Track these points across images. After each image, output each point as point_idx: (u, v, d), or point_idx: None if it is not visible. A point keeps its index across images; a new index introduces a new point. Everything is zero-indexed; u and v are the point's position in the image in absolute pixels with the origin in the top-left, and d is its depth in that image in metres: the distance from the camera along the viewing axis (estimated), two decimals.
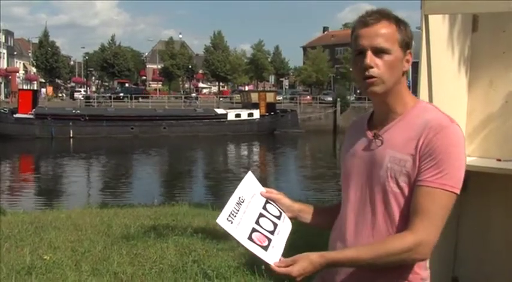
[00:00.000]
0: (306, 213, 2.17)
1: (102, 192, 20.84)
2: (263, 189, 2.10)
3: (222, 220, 1.84)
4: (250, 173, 2.10)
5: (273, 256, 1.85)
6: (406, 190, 1.88)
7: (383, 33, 1.89)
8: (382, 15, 1.92)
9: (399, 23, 1.93)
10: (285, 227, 2.02)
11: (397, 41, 1.90)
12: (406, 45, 1.93)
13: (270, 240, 1.90)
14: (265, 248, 1.86)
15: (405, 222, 1.87)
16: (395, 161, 1.88)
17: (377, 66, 1.88)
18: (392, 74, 1.90)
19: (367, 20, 1.91)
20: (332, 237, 2.07)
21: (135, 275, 5.33)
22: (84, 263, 5.68)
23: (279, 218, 2.03)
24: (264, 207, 2.02)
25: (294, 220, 2.12)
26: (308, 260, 1.82)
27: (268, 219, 1.98)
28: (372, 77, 1.88)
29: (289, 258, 1.85)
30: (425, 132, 1.85)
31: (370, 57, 1.88)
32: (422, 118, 1.89)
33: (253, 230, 1.89)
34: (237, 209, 1.91)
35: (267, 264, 1.84)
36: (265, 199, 2.07)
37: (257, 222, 1.93)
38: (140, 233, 7.21)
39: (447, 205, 1.84)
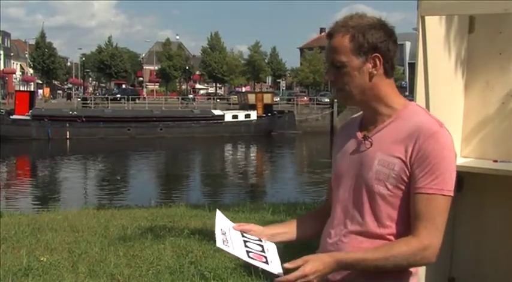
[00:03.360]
0: (282, 233, 2.17)
1: (98, 194, 20.80)
2: (233, 224, 2.14)
3: (220, 244, 1.95)
4: (218, 211, 2.15)
5: (276, 268, 1.92)
6: (394, 192, 1.90)
7: (336, 47, 1.93)
8: (340, 25, 1.94)
9: (357, 29, 1.91)
10: (270, 245, 2.09)
11: (351, 51, 1.91)
12: (367, 50, 1.92)
13: (265, 257, 1.98)
14: (266, 262, 1.94)
15: (393, 223, 1.92)
16: (384, 164, 1.90)
17: (337, 79, 1.94)
18: (353, 85, 1.93)
19: (328, 33, 1.97)
20: (323, 234, 2.10)
21: (132, 277, 5.33)
22: (81, 264, 5.67)
23: (260, 240, 2.09)
24: (243, 236, 2.08)
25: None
26: (319, 260, 1.85)
27: (253, 243, 2.05)
28: (337, 90, 1.95)
29: (298, 259, 1.86)
30: (415, 138, 1.87)
31: (329, 74, 1.96)
32: (412, 122, 1.91)
33: (248, 252, 1.97)
34: (225, 237, 2.01)
35: (276, 276, 1.87)
36: (239, 231, 2.12)
37: (246, 246, 2.01)
38: (137, 235, 7.20)
39: (446, 209, 1.87)
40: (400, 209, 1.91)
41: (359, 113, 2.13)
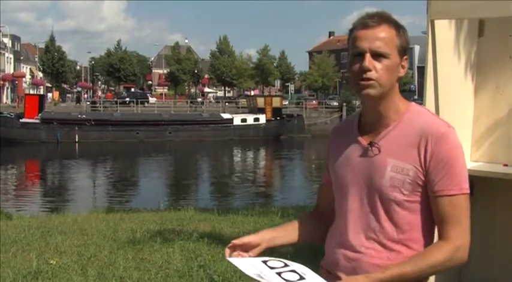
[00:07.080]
0: (280, 236, 2.12)
1: (108, 197, 20.85)
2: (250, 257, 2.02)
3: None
4: (229, 259, 2.07)
5: None
6: (410, 197, 1.89)
7: (383, 37, 1.87)
8: (383, 18, 1.90)
9: (399, 28, 1.92)
10: (303, 269, 1.86)
11: (396, 46, 1.90)
12: (403, 51, 1.92)
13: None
14: None
15: (411, 227, 1.90)
16: (397, 170, 1.88)
17: (375, 69, 1.86)
18: (389, 79, 1.88)
19: (367, 22, 1.89)
20: (329, 246, 2.06)
21: (141, 280, 5.33)
22: (90, 267, 5.68)
23: (287, 265, 1.87)
24: (272, 268, 1.85)
25: (272, 249, 2.08)
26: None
27: (286, 272, 1.83)
28: (369, 79, 1.86)
29: None
30: (425, 140, 1.86)
31: (368, 60, 1.86)
32: (418, 123, 1.90)
33: None
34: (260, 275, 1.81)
35: None
36: (260, 259, 1.93)
37: (283, 278, 1.79)
38: (146, 238, 7.20)
39: (468, 206, 1.88)
40: (417, 214, 1.90)
41: (351, 117, 2.11)
